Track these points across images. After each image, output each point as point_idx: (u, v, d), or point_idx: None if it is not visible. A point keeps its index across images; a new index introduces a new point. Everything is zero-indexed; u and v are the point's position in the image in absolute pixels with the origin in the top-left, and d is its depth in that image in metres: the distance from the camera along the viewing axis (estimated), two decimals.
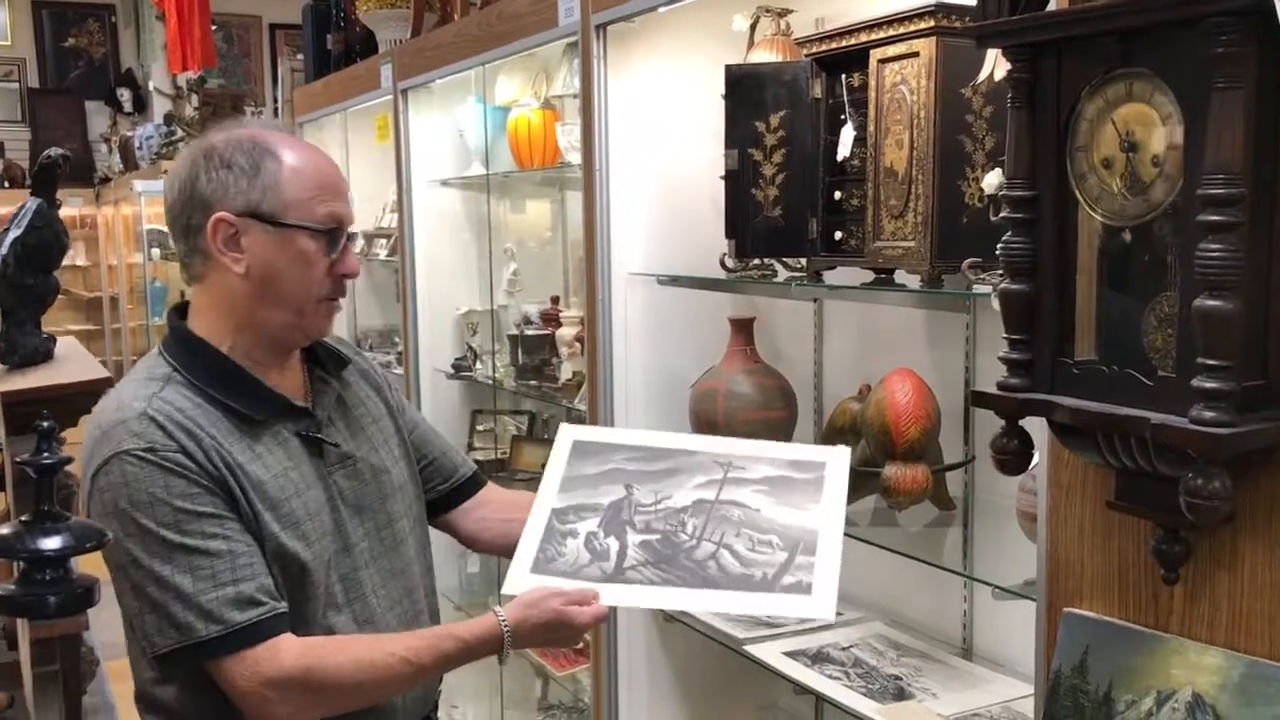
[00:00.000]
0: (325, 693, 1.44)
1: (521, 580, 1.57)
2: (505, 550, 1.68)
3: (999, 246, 1.24)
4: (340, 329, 4.41)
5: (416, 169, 3.46)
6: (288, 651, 1.42)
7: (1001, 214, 1.23)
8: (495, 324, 3.42)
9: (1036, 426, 1.30)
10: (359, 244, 4.04)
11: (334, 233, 1.50)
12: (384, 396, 1.71)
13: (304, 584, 1.48)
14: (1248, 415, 1.05)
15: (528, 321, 3.31)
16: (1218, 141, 1.00)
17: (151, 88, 9.53)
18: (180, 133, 7.09)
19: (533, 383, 3.13)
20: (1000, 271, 1.68)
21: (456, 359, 3.51)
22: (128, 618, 1.47)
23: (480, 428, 3.50)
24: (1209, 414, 1.03)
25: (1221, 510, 1.05)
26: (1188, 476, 1.06)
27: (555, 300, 3.28)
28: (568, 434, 1.79)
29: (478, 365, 3.45)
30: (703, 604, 1.56)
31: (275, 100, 5.12)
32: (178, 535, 1.40)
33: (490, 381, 3.35)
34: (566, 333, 3.01)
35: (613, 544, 1.59)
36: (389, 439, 1.67)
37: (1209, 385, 1.03)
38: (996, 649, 2.11)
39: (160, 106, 9.16)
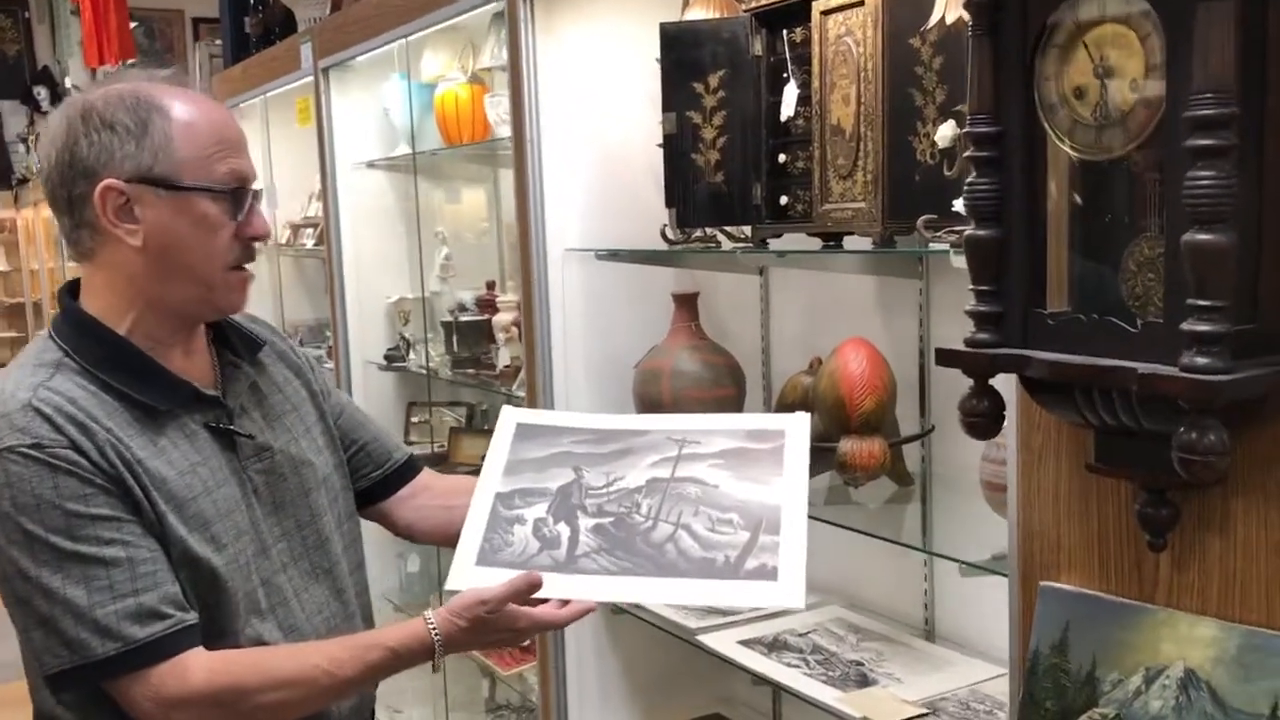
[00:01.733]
0: (240, 713, 1.30)
1: (466, 574, 1.43)
2: (446, 540, 1.55)
3: (964, 191, 1.14)
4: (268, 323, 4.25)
5: (341, 152, 3.31)
6: (196, 669, 1.28)
7: (966, 153, 1.12)
8: (427, 312, 3.28)
9: (1004, 386, 1.20)
10: (266, 208, 3.86)
11: (238, 192, 1.35)
12: (305, 380, 1.57)
13: (218, 591, 1.33)
14: (1241, 362, 0.95)
15: (463, 308, 3.18)
16: (1205, 57, 0.91)
17: (69, 84, 9.21)
18: None
19: (469, 371, 3.00)
20: (957, 229, 1.60)
21: (389, 350, 3.37)
22: (19, 633, 1.32)
23: (415, 419, 3.36)
24: (1202, 360, 0.93)
25: (1218, 466, 0.95)
26: (1180, 431, 0.96)
27: (491, 286, 3.15)
28: (510, 417, 1.66)
29: (411, 355, 3.30)
30: (663, 595, 1.44)
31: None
32: (69, 542, 1.25)
33: (424, 372, 3.21)
34: (504, 318, 2.89)
35: (563, 530, 1.46)
36: (311, 427, 1.54)
37: (1201, 329, 0.94)
38: (960, 630, 2.02)
39: None
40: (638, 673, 2.47)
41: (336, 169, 3.31)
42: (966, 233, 1.13)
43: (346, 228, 3.33)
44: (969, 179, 1.13)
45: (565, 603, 1.38)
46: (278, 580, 1.41)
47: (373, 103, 3.30)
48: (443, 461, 3.23)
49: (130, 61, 6.99)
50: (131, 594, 1.26)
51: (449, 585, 1.42)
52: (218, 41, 4.40)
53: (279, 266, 4.14)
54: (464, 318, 3.06)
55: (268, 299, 4.20)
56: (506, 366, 2.80)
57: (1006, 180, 1.11)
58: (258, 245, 1.40)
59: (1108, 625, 1.17)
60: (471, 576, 1.42)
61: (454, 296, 3.23)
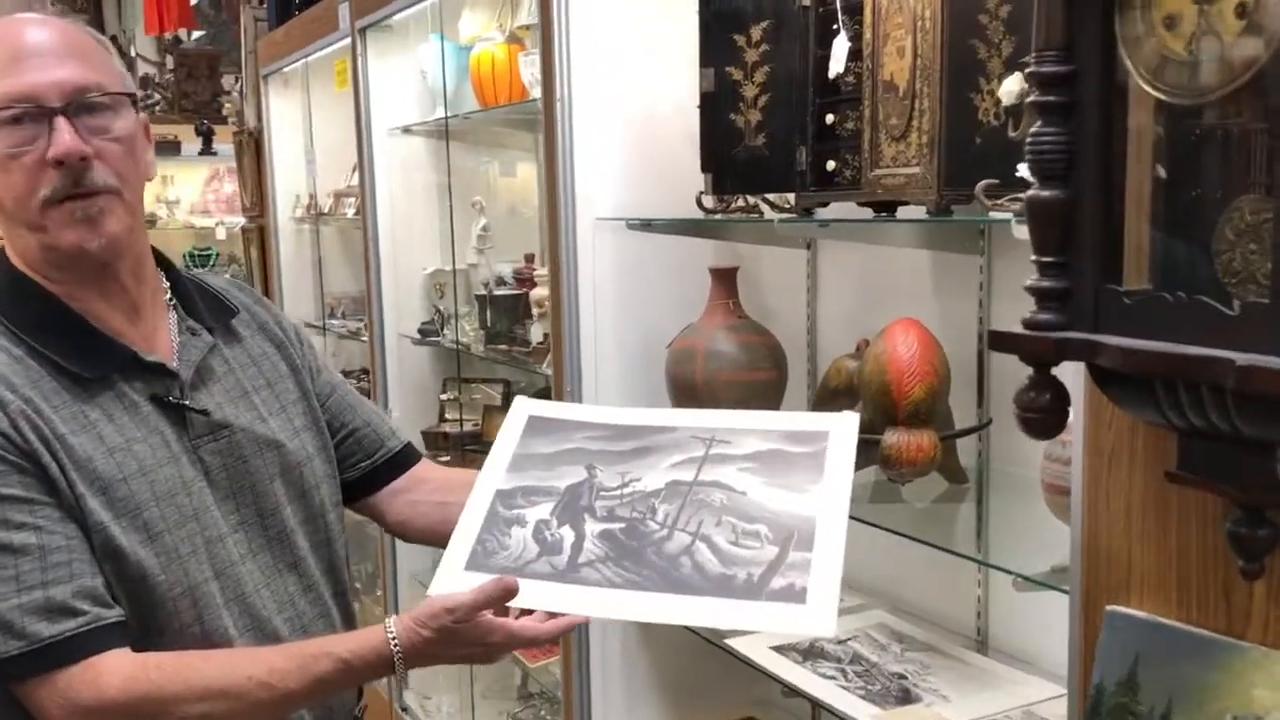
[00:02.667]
0: None
1: (453, 579, 1.27)
2: (440, 540, 1.37)
3: (1027, 144, 0.96)
4: (307, 296, 4.16)
5: (378, 117, 3.19)
6: (112, 674, 1.14)
7: (1031, 98, 0.94)
8: (463, 285, 3.14)
9: (1071, 378, 1.02)
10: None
11: (17, 116, 1.16)
12: (287, 355, 1.43)
13: (147, 587, 1.20)
14: None
15: (500, 282, 3.04)
16: None
17: (134, 53, 9.23)
18: (156, 96, 6.80)
19: (502, 347, 2.86)
20: (1021, 196, 1.41)
21: (423, 324, 3.24)
22: None
23: (444, 396, 3.23)
24: None
25: None
26: None
27: (530, 259, 3.00)
28: (523, 409, 1.49)
29: (446, 330, 3.17)
30: (671, 615, 1.24)
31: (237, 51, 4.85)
32: None
33: (457, 347, 3.07)
34: (541, 293, 2.74)
35: (567, 534, 1.30)
36: (289, 406, 1.39)
37: None
38: (1016, 642, 1.83)
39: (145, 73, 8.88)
40: (667, 673, 2.32)
41: (373, 134, 3.19)
42: (1029, 193, 0.95)
43: (383, 196, 3.21)
44: (1033, 129, 0.95)
45: (553, 615, 1.22)
46: (235, 572, 1.28)
47: (410, 66, 3.17)
48: (477, 440, 3.10)
49: (196, 34, 6.96)
50: (40, 586, 1.13)
51: (431, 591, 1.26)
52: (263, 5, 4.29)
53: (319, 237, 4.04)
54: (498, 291, 2.91)
55: (307, 270, 4.11)
56: (540, 343, 2.66)
57: (1078, 131, 0.92)
58: (95, 172, 1.18)
59: (1187, 662, 0.99)
60: (458, 582, 1.25)
61: (492, 269, 3.09)
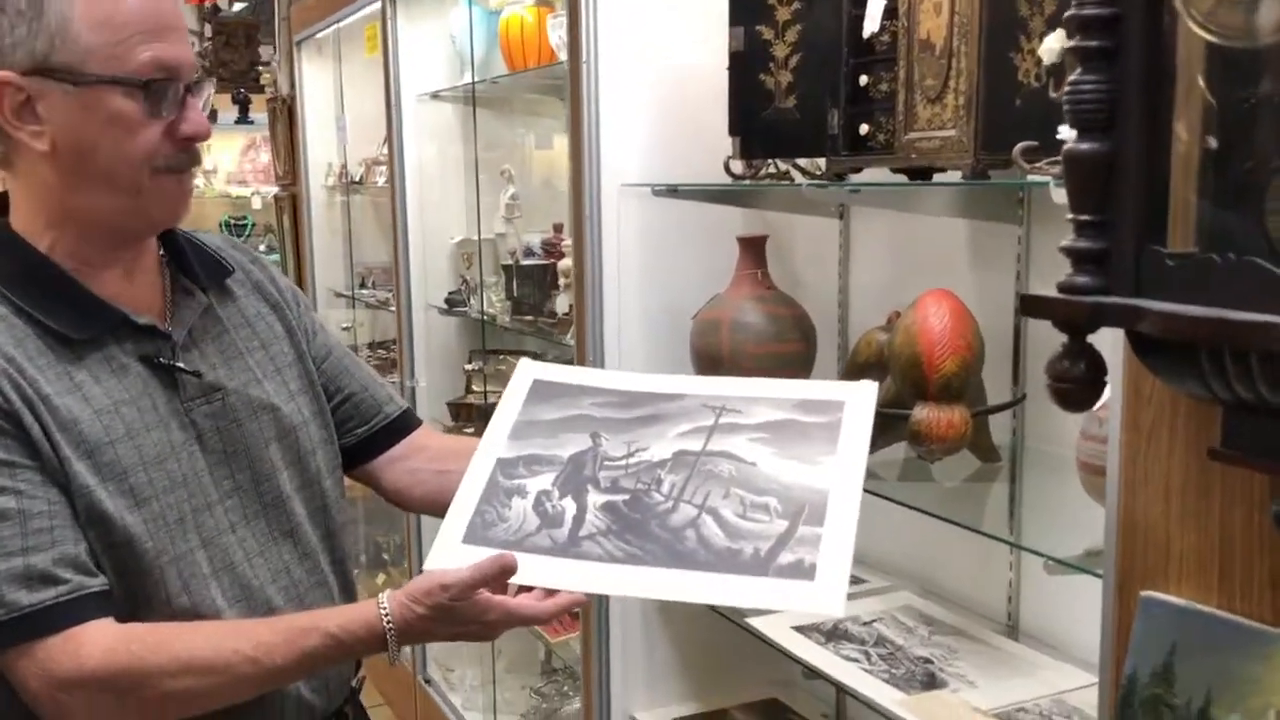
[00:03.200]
0: (143, 701, 1.12)
1: (449, 553, 1.22)
2: (442, 509, 1.32)
3: (1066, 93, 0.89)
4: (338, 265, 4.13)
5: (407, 82, 3.14)
6: (93, 645, 1.10)
7: (1071, 43, 0.87)
8: (489, 255, 3.10)
9: (1109, 350, 0.96)
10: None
11: (157, 85, 1.14)
12: (282, 315, 1.38)
13: (134, 554, 1.15)
14: None
15: (529, 252, 2.99)
16: None
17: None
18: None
19: (528, 318, 2.81)
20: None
21: (450, 294, 3.20)
22: None
23: (469, 367, 3.19)
24: None
25: None
26: None
27: (558, 229, 2.95)
28: (527, 372, 1.43)
29: (473, 300, 3.13)
30: (674, 590, 1.18)
31: (274, 20, 4.82)
32: None
33: (483, 317, 3.03)
34: (568, 264, 2.68)
35: (568, 506, 1.24)
36: (284, 369, 1.35)
37: None
38: (1047, 626, 1.77)
39: None
40: (688, 651, 2.27)
41: (402, 100, 3.14)
42: (1066, 146, 0.88)
43: (411, 163, 3.17)
44: (1072, 78, 0.88)
45: (553, 592, 1.17)
46: (224, 541, 1.23)
47: (440, 31, 3.12)
48: None
49: (239, 5, 6.95)
50: (20, 553, 1.09)
51: (428, 565, 1.21)
52: None
53: (349, 206, 4.01)
54: (525, 262, 2.87)
55: (338, 239, 4.08)
56: (565, 314, 2.61)
57: (1121, 78, 0.85)
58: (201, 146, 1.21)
59: (1227, 653, 0.93)
60: (455, 556, 1.21)
61: (520, 239, 3.04)
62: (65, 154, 1.14)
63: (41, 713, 1.13)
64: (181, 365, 1.23)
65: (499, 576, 1.14)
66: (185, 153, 1.19)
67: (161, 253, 1.29)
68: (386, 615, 1.14)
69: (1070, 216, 0.89)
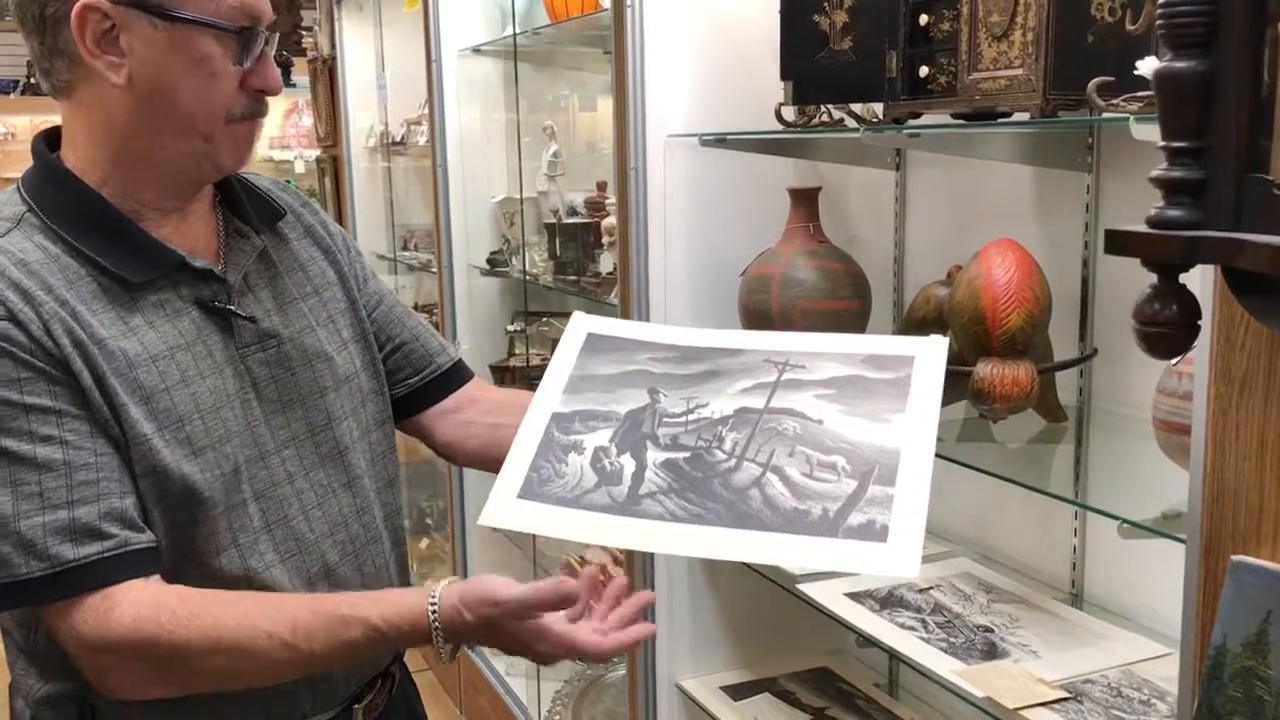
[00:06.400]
0: (171, 671, 1.08)
1: (505, 508, 1.17)
2: (492, 464, 1.27)
3: (1159, 7, 0.80)
4: (380, 227, 4.09)
5: (447, 37, 3.07)
6: (125, 608, 1.05)
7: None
8: (530, 213, 3.04)
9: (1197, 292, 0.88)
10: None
11: (247, 33, 1.11)
12: (335, 260, 1.33)
13: (193, 505, 1.11)
14: None
15: (571, 211, 2.92)
16: None
17: None
18: None
19: (571, 278, 2.75)
20: (1140, 95, 1.25)
21: (492, 253, 3.14)
22: None
23: (512, 328, 3.14)
24: None
25: None
26: None
27: (602, 186, 2.88)
28: (581, 325, 1.38)
29: (514, 260, 3.07)
30: (739, 551, 1.13)
31: None
32: None
33: (525, 277, 2.97)
34: (611, 222, 2.62)
35: (627, 463, 1.19)
36: (336, 316, 1.30)
37: None
38: (1114, 595, 1.69)
39: None
40: (736, 618, 2.22)
41: (443, 55, 3.07)
42: (1158, 65, 0.80)
43: (452, 120, 3.11)
44: None
45: (617, 622, 1.12)
46: (279, 493, 1.19)
47: None
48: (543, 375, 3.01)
49: None
50: (66, 505, 1.04)
51: (483, 520, 1.16)
52: None
53: (390, 168, 3.96)
54: (568, 220, 2.80)
55: (380, 202, 4.04)
56: (609, 274, 2.55)
57: None
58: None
59: None
60: (511, 511, 1.16)
61: (563, 197, 2.98)
62: (142, 91, 1.10)
63: (82, 668, 1.09)
64: (238, 310, 1.18)
65: (556, 605, 1.08)
66: (258, 104, 1.16)
67: (215, 194, 1.24)
68: (435, 614, 1.09)
69: (1162, 144, 0.81)
